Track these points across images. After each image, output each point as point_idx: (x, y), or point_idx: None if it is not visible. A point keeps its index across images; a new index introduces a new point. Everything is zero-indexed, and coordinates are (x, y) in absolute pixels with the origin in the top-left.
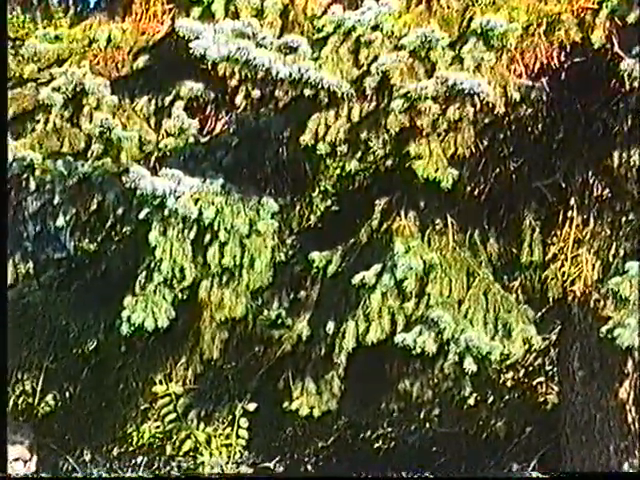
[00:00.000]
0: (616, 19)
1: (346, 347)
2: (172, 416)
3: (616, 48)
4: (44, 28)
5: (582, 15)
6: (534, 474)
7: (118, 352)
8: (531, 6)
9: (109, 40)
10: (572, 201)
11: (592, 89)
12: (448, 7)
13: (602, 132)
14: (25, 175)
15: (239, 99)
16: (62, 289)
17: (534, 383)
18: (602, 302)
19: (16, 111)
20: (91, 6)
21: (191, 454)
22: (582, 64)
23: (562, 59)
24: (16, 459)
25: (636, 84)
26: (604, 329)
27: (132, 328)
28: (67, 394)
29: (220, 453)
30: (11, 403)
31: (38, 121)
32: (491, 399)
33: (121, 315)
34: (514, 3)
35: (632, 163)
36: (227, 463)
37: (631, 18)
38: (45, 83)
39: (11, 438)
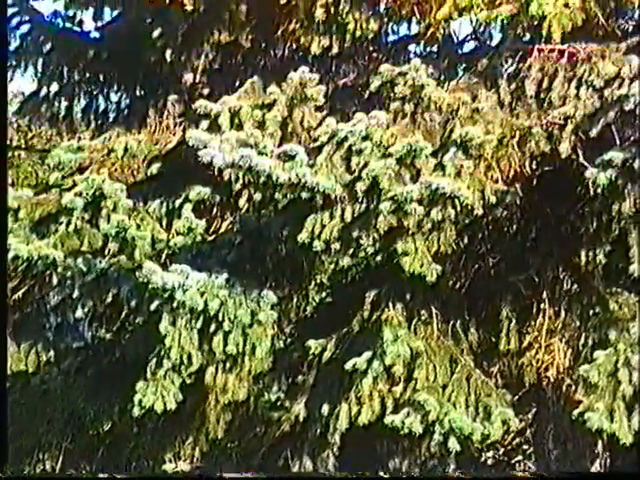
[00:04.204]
0: (580, 133)
1: (340, 428)
2: None
3: (581, 159)
4: (68, 140)
5: (550, 129)
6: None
7: (130, 433)
8: (505, 120)
9: (126, 150)
10: (544, 294)
11: (560, 194)
12: (431, 120)
13: (570, 233)
14: (48, 272)
15: (242, 202)
16: (80, 375)
17: (513, 462)
18: (573, 387)
19: (41, 214)
20: (110, 120)
21: None
22: (551, 172)
23: (533, 167)
24: None
25: (599, 190)
26: (576, 412)
27: (143, 410)
28: (84, 472)
29: None
30: None
31: (61, 223)
32: (474, 477)
33: (133, 399)
34: (489, 117)
35: (598, 261)
36: None
37: (593, 133)
38: (68, 189)
39: None
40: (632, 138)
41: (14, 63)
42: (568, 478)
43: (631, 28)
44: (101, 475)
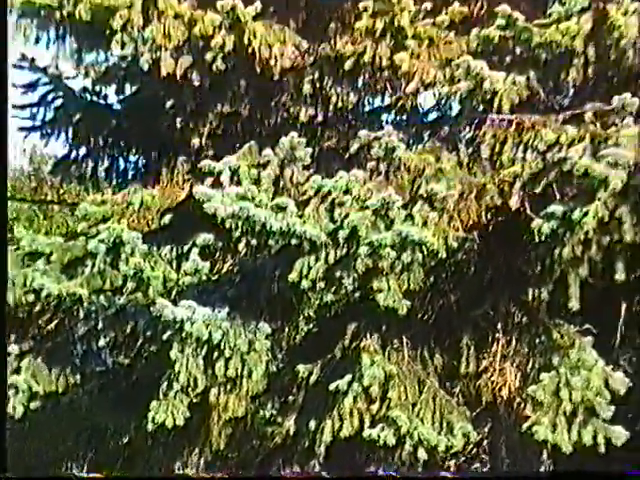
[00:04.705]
0: (527, 190)
1: (325, 440)
2: None
3: (528, 211)
4: (93, 195)
5: (502, 186)
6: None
7: (145, 445)
8: (464, 178)
9: (142, 203)
10: (498, 326)
11: (511, 241)
12: (401, 177)
13: (519, 274)
14: (75, 307)
15: (241, 247)
16: (102, 395)
17: (472, 469)
18: (523, 405)
19: (70, 258)
20: (129, 178)
21: None
22: (503, 222)
23: (488, 218)
24: None
25: (543, 238)
26: (525, 426)
27: (156, 426)
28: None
29: None
30: None
31: (86, 265)
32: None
33: (147, 416)
34: (451, 175)
35: (543, 298)
36: None
37: (538, 189)
38: (93, 236)
39: None
40: (570, 194)
41: (49, 131)
42: (566, 477)
43: (566, 103)
44: (102, 475)
